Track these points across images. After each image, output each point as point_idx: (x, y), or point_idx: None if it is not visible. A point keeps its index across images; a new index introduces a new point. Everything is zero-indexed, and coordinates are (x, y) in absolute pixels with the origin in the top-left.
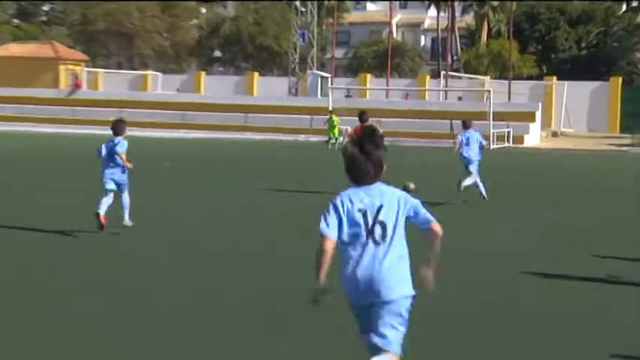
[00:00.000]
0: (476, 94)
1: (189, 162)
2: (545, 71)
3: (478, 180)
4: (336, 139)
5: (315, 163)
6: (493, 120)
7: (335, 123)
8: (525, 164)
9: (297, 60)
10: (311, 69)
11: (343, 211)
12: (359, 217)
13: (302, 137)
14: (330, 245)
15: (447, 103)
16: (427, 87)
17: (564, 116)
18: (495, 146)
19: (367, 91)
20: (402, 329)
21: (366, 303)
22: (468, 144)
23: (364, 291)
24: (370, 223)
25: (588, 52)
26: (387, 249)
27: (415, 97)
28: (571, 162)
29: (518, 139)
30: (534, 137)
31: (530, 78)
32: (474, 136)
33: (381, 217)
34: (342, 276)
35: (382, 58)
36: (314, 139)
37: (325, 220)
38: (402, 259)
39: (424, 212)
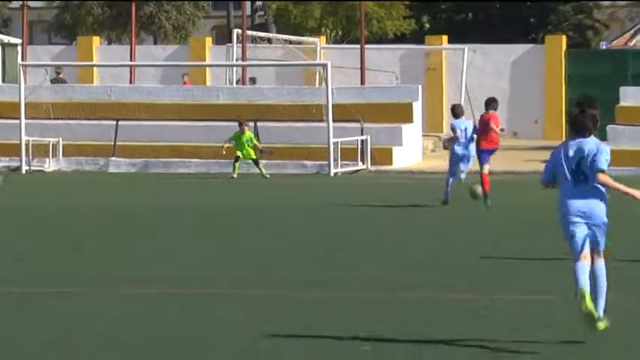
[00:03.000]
0: (300, 72)
1: None
2: (427, 27)
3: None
4: (256, 161)
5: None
6: (335, 120)
7: (245, 140)
8: (390, 215)
9: None
10: None
11: (557, 158)
12: (569, 163)
13: None
14: (545, 186)
15: (246, 91)
16: (208, 60)
17: (465, 110)
18: (340, 170)
19: (94, 69)
20: (603, 237)
21: (576, 222)
22: (465, 136)
23: (576, 214)
24: (574, 167)
25: None
26: (589, 186)
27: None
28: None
29: (383, 156)
30: (411, 151)
31: (401, 40)
32: (470, 125)
33: (582, 165)
34: (560, 203)
35: (121, 7)
36: None
37: (546, 167)
38: (601, 194)
39: (599, 163)
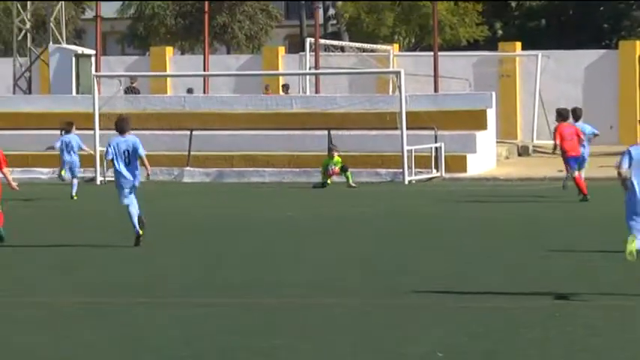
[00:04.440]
0: (374, 80)
1: None
2: (500, 34)
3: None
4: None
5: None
6: (409, 128)
7: (333, 164)
8: (465, 222)
9: (28, 25)
10: (57, 41)
11: (631, 157)
12: (636, 164)
13: (46, 172)
14: (624, 174)
15: (320, 100)
16: (281, 69)
17: (539, 116)
18: (414, 178)
19: (168, 79)
20: None
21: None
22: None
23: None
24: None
25: None
26: None
27: (257, 86)
28: (566, 218)
29: (457, 164)
30: (485, 158)
31: (474, 46)
32: (586, 129)
33: None
34: (632, 185)
35: (194, 17)
36: (68, 175)
37: (622, 161)
38: None
39: None
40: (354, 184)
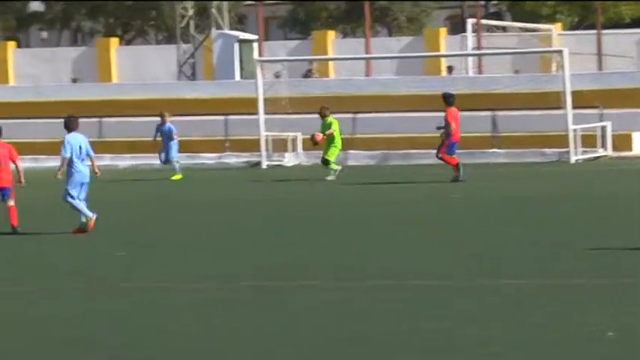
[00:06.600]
0: (538, 59)
1: None
2: None
3: None
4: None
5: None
6: (574, 107)
7: (334, 130)
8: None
9: (189, 13)
10: (219, 27)
11: None
12: None
13: (213, 157)
14: None
15: (483, 80)
16: (443, 50)
17: None
18: (580, 157)
19: (329, 63)
20: None
21: None
22: None
23: None
24: None
25: None
26: None
27: (419, 68)
28: None
29: (623, 142)
30: None
31: (637, 24)
32: None
33: None
34: None
35: (355, 1)
36: (233, 159)
37: None
38: None
39: None
40: (328, 178)
